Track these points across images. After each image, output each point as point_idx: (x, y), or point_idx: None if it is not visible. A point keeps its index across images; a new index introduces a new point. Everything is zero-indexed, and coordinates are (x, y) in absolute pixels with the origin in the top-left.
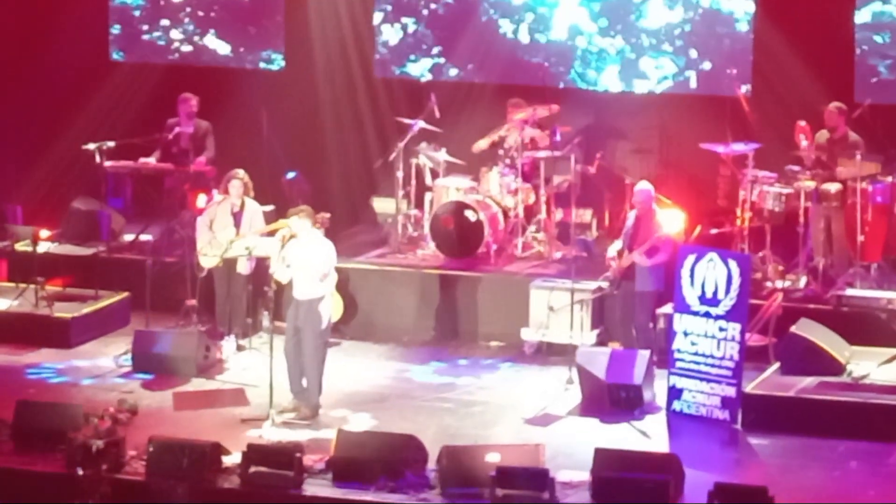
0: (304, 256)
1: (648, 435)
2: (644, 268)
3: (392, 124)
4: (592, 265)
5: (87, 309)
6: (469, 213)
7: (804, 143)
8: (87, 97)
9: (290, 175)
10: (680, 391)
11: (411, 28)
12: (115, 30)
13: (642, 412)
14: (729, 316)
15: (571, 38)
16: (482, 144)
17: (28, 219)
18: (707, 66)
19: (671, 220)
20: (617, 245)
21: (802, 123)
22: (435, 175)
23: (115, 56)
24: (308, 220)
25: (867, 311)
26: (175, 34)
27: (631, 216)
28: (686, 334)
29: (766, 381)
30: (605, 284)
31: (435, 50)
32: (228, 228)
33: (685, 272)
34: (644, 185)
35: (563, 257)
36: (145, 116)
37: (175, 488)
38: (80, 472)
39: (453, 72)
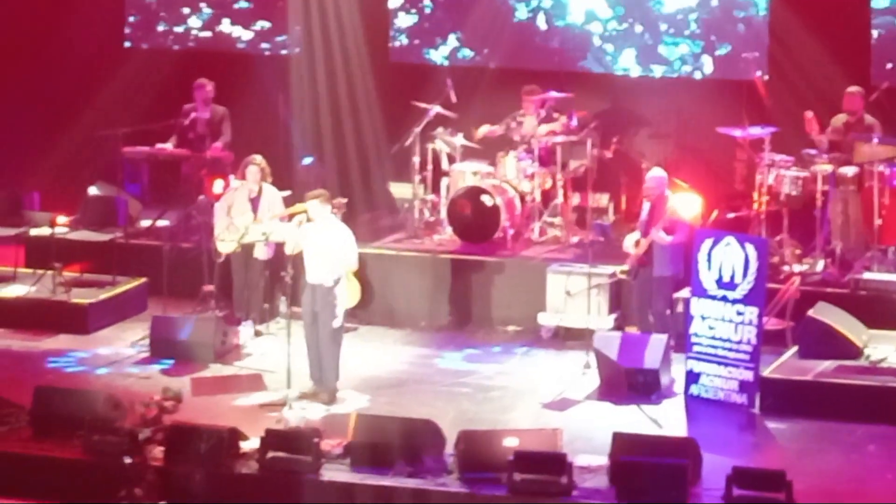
0: (320, 241)
1: (666, 419)
2: (662, 253)
3: (408, 109)
4: (609, 249)
5: (105, 295)
6: (486, 198)
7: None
8: (103, 83)
9: (307, 161)
10: (697, 375)
11: (427, 12)
12: (132, 18)
13: (660, 396)
14: (746, 300)
15: (588, 23)
16: (484, 130)
17: (45, 205)
18: (724, 50)
19: (688, 204)
20: (633, 236)
21: (810, 115)
22: (451, 160)
23: (132, 43)
24: (326, 205)
25: (885, 295)
26: (192, 21)
27: (646, 205)
28: (703, 318)
29: (783, 364)
30: (622, 270)
31: (451, 35)
32: (246, 214)
33: (702, 256)
34: (657, 172)
35: (579, 242)
36: (162, 102)
37: (193, 474)
38: (128, 461)
39: (469, 56)
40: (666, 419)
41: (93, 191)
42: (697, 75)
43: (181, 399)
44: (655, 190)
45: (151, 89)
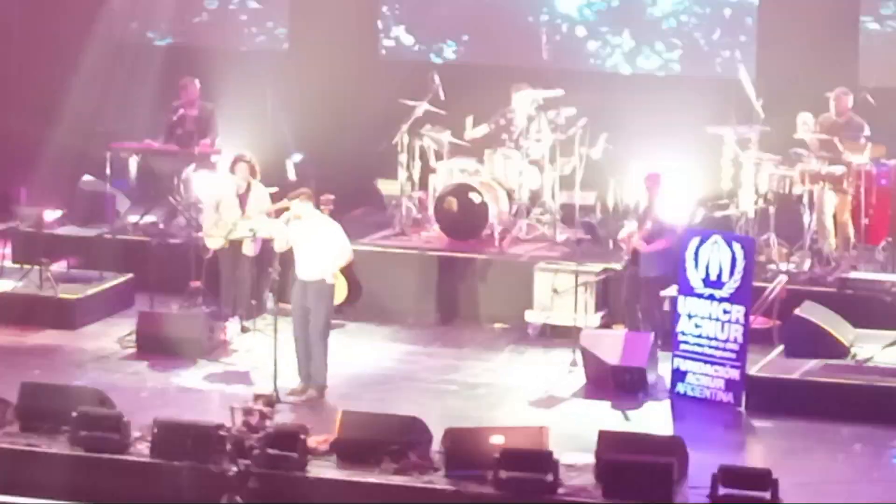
0: (311, 237)
1: (652, 417)
2: (649, 253)
3: (396, 106)
4: (597, 248)
5: (92, 290)
6: (473, 196)
7: (804, 132)
8: (93, 78)
9: (297, 158)
10: (684, 374)
11: (416, 9)
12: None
13: (646, 395)
14: (733, 298)
15: (577, 20)
16: (476, 133)
17: (33, 200)
18: (712, 48)
19: (674, 208)
20: (628, 227)
21: (803, 116)
22: (439, 157)
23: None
24: (309, 202)
25: (871, 294)
26: (184, 16)
27: (643, 200)
28: (690, 317)
29: (770, 363)
30: (618, 266)
31: (440, 32)
32: (234, 210)
33: (689, 255)
34: (652, 170)
35: (567, 240)
36: (151, 98)
37: (179, 470)
38: (235, 469)
39: (458, 53)
40: (652, 417)
41: (81, 186)
42: (686, 73)
43: (275, 402)
44: (651, 188)
45: (141, 85)
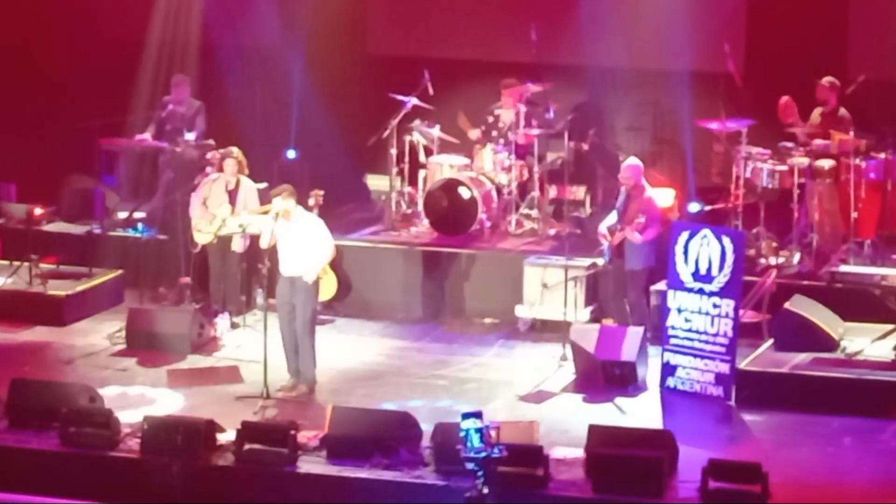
0: (295, 234)
1: (642, 412)
2: (633, 246)
3: (386, 101)
4: (586, 242)
5: (81, 287)
6: (463, 190)
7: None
8: (82, 74)
9: (291, 154)
10: (674, 368)
11: (405, 4)
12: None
13: (636, 389)
14: (723, 292)
15: (565, 14)
16: (471, 135)
17: (22, 197)
18: (701, 41)
19: (662, 199)
20: (608, 220)
21: (785, 99)
22: (429, 152)
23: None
24: (292, 199)
25: (861, 288)
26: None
27: (623, 192)
28: (680, 311)
29: (759, 357)
30: (600, 261)
31: (429, 27)
32: (223, 206)
33: (679, 249)
34: (632, 161)
35: (556, 234)
36: (139, 94)
37: (169, 466)
38: (486, 491)
39: (447, 49)
40: (642, 411)
41: (70, 182)
42: (674, 67)
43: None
44: (631, 179)
45: (130, 81)
